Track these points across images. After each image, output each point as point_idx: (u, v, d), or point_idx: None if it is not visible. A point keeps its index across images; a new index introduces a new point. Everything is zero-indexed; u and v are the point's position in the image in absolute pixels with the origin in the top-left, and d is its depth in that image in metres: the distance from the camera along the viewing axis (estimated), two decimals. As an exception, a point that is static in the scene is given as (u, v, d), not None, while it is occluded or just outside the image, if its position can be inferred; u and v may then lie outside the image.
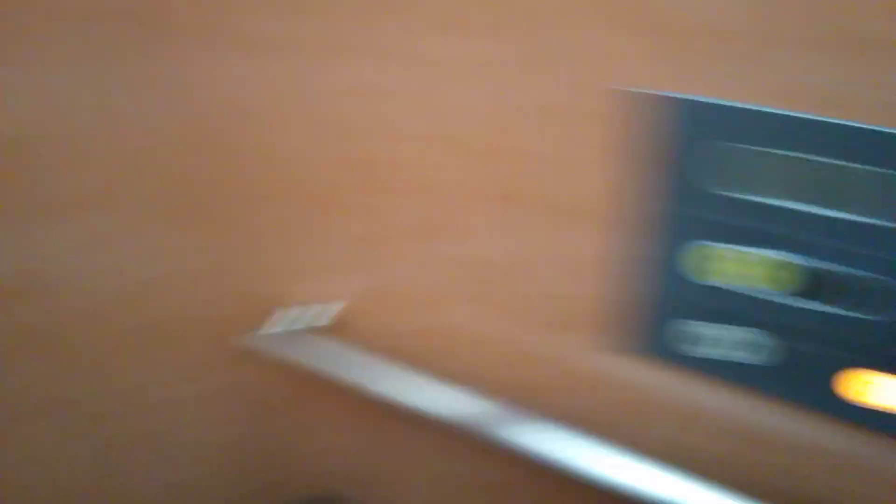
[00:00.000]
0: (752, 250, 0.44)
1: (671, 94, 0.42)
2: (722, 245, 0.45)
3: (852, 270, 0.41)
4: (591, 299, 0.53)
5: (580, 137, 0.46)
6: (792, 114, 0.39)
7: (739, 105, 0.40)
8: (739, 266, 0.45)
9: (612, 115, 0.44)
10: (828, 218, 0.40)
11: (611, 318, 0.52)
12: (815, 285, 0.43)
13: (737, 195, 0.42)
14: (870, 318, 0.42)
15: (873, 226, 0.39)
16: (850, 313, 0.42)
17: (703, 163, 0.42)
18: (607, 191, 0.47)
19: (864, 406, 0.45)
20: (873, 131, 0.37)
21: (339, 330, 0.67)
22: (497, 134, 0.49)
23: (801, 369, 0.46)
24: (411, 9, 0.48)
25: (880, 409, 0.44)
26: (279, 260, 0.67)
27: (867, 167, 0.38)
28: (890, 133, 0.37)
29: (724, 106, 0.40)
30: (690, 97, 0.42)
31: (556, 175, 0.49)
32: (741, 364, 0.48)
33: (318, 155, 0.58)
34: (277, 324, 0.66)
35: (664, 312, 0.49)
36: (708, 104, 0.41)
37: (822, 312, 0.43)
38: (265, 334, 0.66)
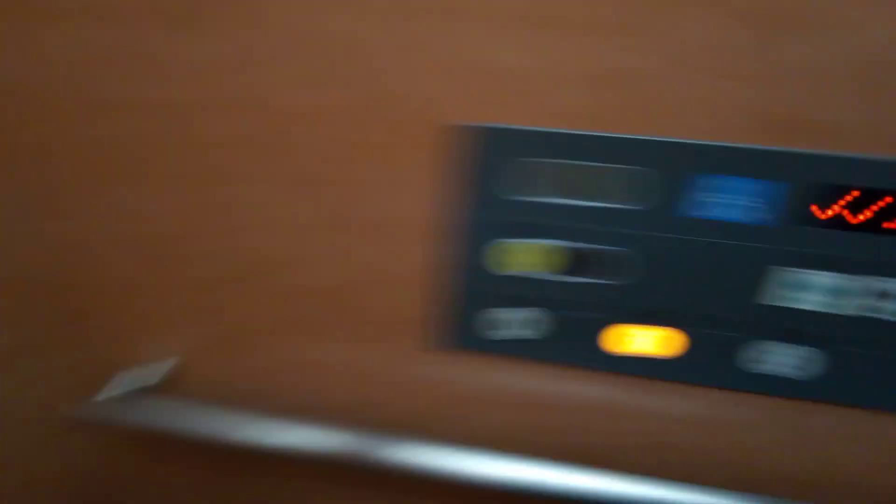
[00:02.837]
0: (536, 241, 0.54)
1: (475, 124, 0.50)
2: (515, 240, 0.54)
3: (604, 247, 0.53)
4: (413, 307, 0.59)
5: (403, 165, 0.52)
6: (563, 131, 0.49)
7: (527, 128, 0.49)
8: (527, 255, 0.55)
9: (431, 144, 0.51)
10: (587, 208, 0.51)
11: (430, 321, 0.59)
12: (579, 263, 0.54)
13: (525, 198, 0.52)
14: (616, 282, 0.54)
15: (617, 209, 0.51)
16: (603, 281, 0.54)
17: (501, 176, 0.51)
18: (427, 209, 0.54)
19: (624, 355, 0.57)
20: (620, 138, 0.48)
21: (179, 384, 0.67)
22: (332, 168, 0.53)
23: (573, 335, 0.57)
24: (267, 63, 0.51)
25: (635, 355, 0.57)
26: (112, 322, 0.65)
27: (614, 165, 0.49)
28: (631, 139, 0.48)
29: (516, 129, 0.49)
30: (490, 125, 0.50)
31: (382, 200, 0.54)
32: (530, 340, 0.58)
33: (147, 206, 0.58)
34: (113, 388, 0.64)
35: (472, 306, 0.58)
36: (503, 129, 0.49)
37: (584, 284, 0.55)
38: (100, 401, 0.64)
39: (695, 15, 0.42)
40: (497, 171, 0.51)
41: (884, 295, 0.50)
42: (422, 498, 0.69)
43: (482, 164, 0.51)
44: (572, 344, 0.58)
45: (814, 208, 0.47)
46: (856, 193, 0.46)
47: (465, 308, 0.58)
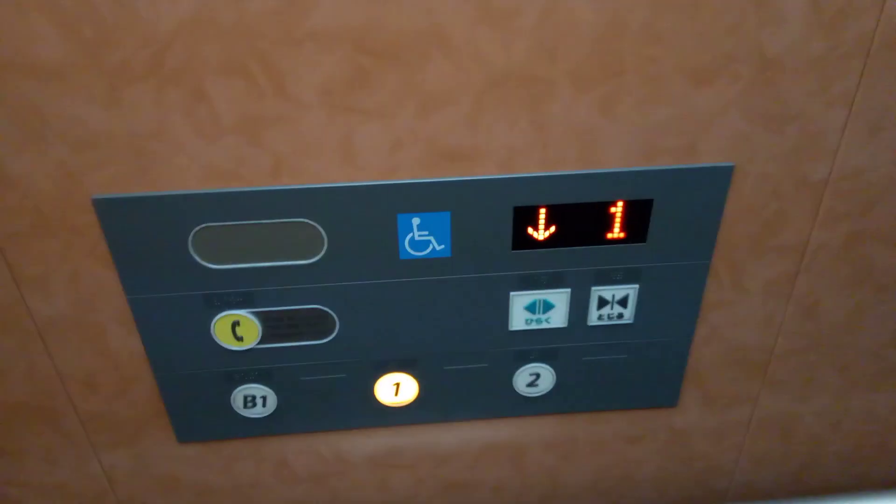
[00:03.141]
0: (239, 311, 0.47)
1: (146, 194, 0.42)
2: (228, 312, 0.47)
3: (298, 307, 0.48)
4: (147, 403, 0.53)
5: (70, 252, 0.44)
6: (245, 189, 0.42)
7: (207, 191, 0.42)
8: (248, 327, 0.49)
9: (97, 222, 0.43)
10: (277, 267, 0.45)
11: (173, 413, 0.53)
12: (277, 328, 0.48)
13: (223, 266, 0.45)
14: (317, 342, 0.49)
15: (301, 266, 0.45)
16: (307, 342, 0.49)
17: (197, 245, 0.44)
18: (117, 295, 0.47)
19: (394, 405, 0.54)
20: (280, 191, 0.42)
21: None
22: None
23: (302, 402, 0.53)
24: None
25: (401, 404, 0.54)
26: None
27: (290, 220, 0.43)
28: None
29: (195, 194, 0.42)
30: (167, 193, 0.42)
31: (57, 296, 0.47)
32: (268, 416, 0.54)
33: None
34: None
35: (210, 388, 0.52)
36: (182, 196, 0.42)
37: (289, 347, 0.50)
38: None
39: (319, 53, 0.38)
40: (177, 241, 0.44)
41: (603, 302, 0.49)
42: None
43: (173, 235, 0.44)
44: (306, 414, 0.54)
45: (530, 230, 0.45)
46: (543, 210, 0.44)
47: (208, 392, 0.52)
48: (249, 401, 0.53)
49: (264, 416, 0.54)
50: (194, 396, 0.52)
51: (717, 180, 0.44)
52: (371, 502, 0.63)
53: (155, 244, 0.44)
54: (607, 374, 0.54)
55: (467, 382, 0.54)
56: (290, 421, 0.55)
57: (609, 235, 0.46)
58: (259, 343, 0.49)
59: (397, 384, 0.54)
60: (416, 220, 0.44)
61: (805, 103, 0.42)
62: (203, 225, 0.43)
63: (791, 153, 0.44)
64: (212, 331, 0.48)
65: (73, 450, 0.55)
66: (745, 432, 0.61)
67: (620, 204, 0.44)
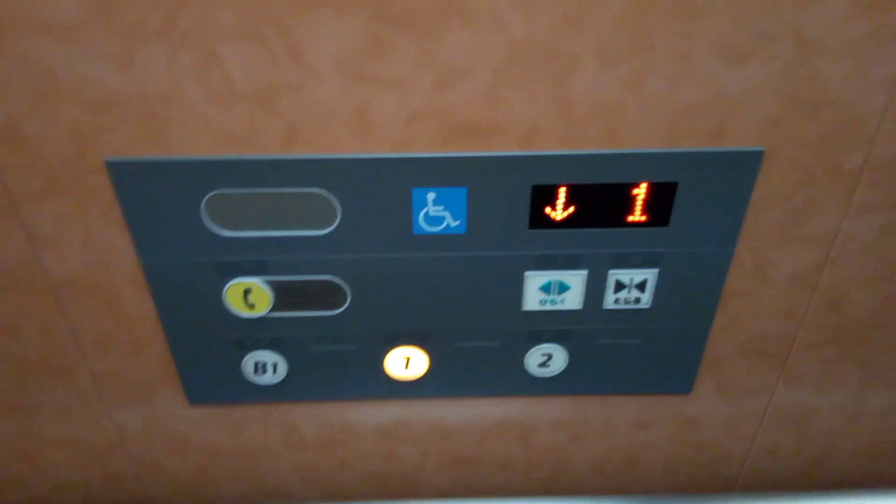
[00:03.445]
0: (251, 279, 0.47)
1: (159, 158, 0.41)
2: (242, 279, 0.47)
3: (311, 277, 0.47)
4: (158, 365, 0.53)
5: (84, 213, 0.44)
6: (258, 157, 0.41)
7: (220, 157, 0.41)
8: (258, 294, 0.48)
9: (111, 185, 0.43)
10: (290, 237, 0.45)
11: (184, 375, 0.53)
12: (289, 297, 0.48)
13: (236, 233, 0.45)
14: (329, 313, 0.49)
15: (314, 236, 0.45)
16: (319, 313, 0.49)
17: (210, 211, 0.43)
18: (130, 258, 0.47)
19: (403, 379, 0.54)
20: (301, 160, 0.42)
21: None
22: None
23: (312, 371, 0.53)
24: None
25: (411, 378, 0.54)
26: None
27: (304, 189, 0.43)
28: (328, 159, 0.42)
29: (208, 160, 0.41)
30: (180, 158, 0.41)
31: (70, 256, 0.47)
32: (282, 383, 0.54)
33: None
34: None
35: (221, 353, 0.52)
36: (195, 161, 0.41)
37: (300, 317, 0.49)
38: None
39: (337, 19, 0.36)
40: (190, 207, 0.43)
41: (620, 286, 0.48)
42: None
43: (186, 201, 0.43)
44: (332, 378, 0.54)
45: (547, 210, 0.44)
46: (563, 190, 0.43)
47: (219, 357, 0.52)
48: (260, 367, 0.53)
49: (274, 383, 0.54)
50: (206, 360, 0.52)
51: (745, 165, 0.42)
52: (377, 472, 0.63)
53: (168, 209, 0.43)
54: (621, 358, 0.53)
55: (478, 360, 0.53)
56: (300, 389, 0.55)
57: (630, 218, 0.44)
58: (270, 311, 0.49)
59: (407, 358, 0.53)
60: (431, 195, 0.43)
61: (842, 87, 0.40)
62: (216, 191, 0.43)
63: (825, 139, 0.42)
64: (224, 297, 0.48)
65: (85, 406, 0.56)
66: (758, 423, 0.60)
67: (644, 186, 0.43)
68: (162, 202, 0.43)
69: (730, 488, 0.66)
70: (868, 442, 0.62)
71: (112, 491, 0.63)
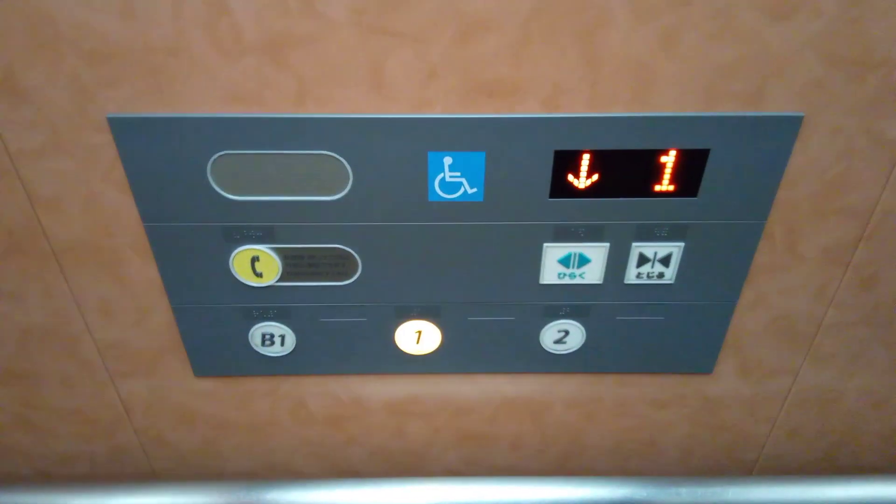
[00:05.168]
0: (258, 246, 0.45)
1: (162, 115, 0.39)
2: (248, 246, 0.45)
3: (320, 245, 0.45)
4: (163, 335, 0.52)
5: (85, 173, 0.43)
6: (266, 115, 0.39)
7: (227, 115, 0.39)
8: (268, 262, 0.46)
9: (113, 143, 0.41)
10: (299, 202, 0.43)
11: (189, 347, 0.52)
12: (298, 266, 0.46)
13: (243, 197, 0.43)
14: (339, 283, 0.47)
15: (324, 202, 0.43)
16: (328, 283, 0.47)
17: (216, 173, 0.41)
18: (134, 222, 0.45)
19: (414, 353, 0.52)
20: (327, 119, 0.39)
21: None
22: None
23: (321, 344, 0.52)
24: None
25: (422, 353, 0.52)
26: None
27: (314, 152, 0.40)
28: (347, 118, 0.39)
29: (214, 118, 0.39)
30: (185, 115, 0.39)
31: (72, 218, 0.45)
32: (288, 356, 0.52)
33: None
34: None
35: (228, 323, 0.50)
36: (200, 119, 0.39)
37: (309, 287, 0.48)
38: None
39: None
40: (195, 168, 0.41)
41: (643, 259, 0.46)
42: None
43: (192, 161, 0.41)
44: (324, 356, 0.52)
45: (570, 178, 0.42)
46: (587, 156, 0.40)
47: (225, 328, 0.50)
48: (268, 339, 0.51)
49: (282, 356, 0.52)
50: (212, 331, 0.51)
51: (783, 132, 0.40)
52: (386, 448, 0.62)
53: (172, 170, 0.41)
54: (641, 335, 0.51)
55: (492, 335, 0.51)
56: (309, 362, 0.53)
57: (657, 188, 0.42)
58: (279, 280, 0.47)
59: (419, 332, 0.51)
60: (447, 160, 0.41)
61: (892, 49, 0.37)
62: (222, 152, 0.41)
63: (869, 105, 0.39)
64: (230, 265, 0.46)
65: (89, 376, 0.54)
66: (781, 405, 0.58)
67: (673, 153, 0.41)
68: (166, 162, 0.41)
69: (748, 471, 0.64)
70: (893, 426, 0.60)
71: (117, 463, 0.62)
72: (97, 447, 0.60)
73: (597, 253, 0.46)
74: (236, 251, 0.45)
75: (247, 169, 0.42)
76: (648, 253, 0.46)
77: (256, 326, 0.50)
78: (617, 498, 0.58)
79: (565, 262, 0.46)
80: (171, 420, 0.58)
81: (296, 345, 0.52)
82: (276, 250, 0.46)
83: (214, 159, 0.41)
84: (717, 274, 0.47)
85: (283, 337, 0.51)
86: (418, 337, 0.52)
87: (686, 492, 0.58)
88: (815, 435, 0.61)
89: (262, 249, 0.46)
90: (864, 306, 0.50)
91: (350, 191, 0.42)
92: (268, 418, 0.58)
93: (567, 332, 0.51)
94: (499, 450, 0.62)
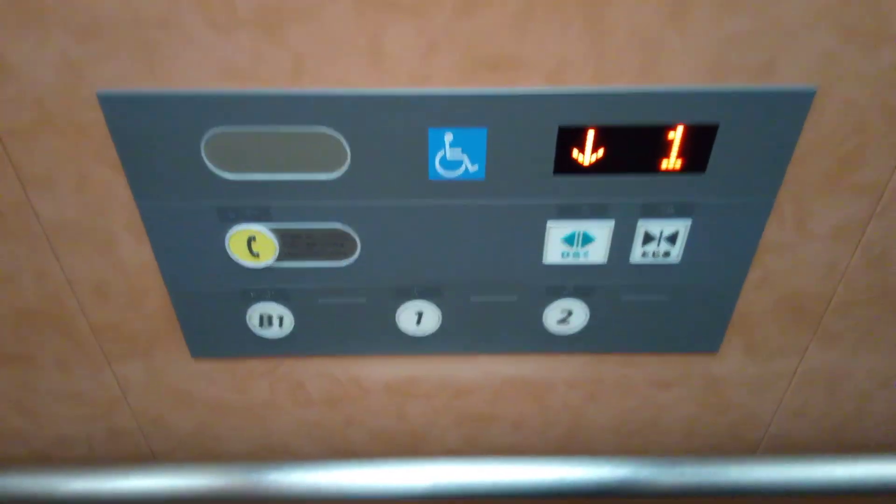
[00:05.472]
0: (254, 226, 0.44)
1: (154, 91, 0.38)
2: (244, 226, 0.44)
3: (317, 225, 0.44)
4: (160, 316, 0.51)
5: (76, 152, 0.41)
6: (262, 91, 0.38)
7: (220, 91, 0.38)
8: (264, 242, 0.45)
9: (104, 120, 0.39)
10: (296, 181, 0.42)
11: (186, 328, 0.51)
12: (295, 246, 0.45)
13: (238, 175, 0.41)
14: (337, 264, 0.46)
15: (322, 181, 0.42)
16: (327, 263, 0.46)
17: (210, 151, 0.40)
18: (127, 201, 0.44)
19: (415, 335, 0.51)
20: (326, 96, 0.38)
21: None
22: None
23: (320, 325, 0.51)
24: None
25: (423, 334, 0.51)
26: None
27: (311, 128, 0.39)
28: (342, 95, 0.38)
29: (207, 94, 0.38)
30: (178, 91, 0.38)
31: (63, 198, 0.44)
32: (287, 337, 0.51)
33: None
34: None
35: (225, 305, 0.49)
36: (193, 95, 0.38)
37: (308, 268, 0.47)
38: None
39: None
40: (189, 146, 0.40)
41: (649, 238, 0.45)
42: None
43: (185, 139, 0.40)
44: (340, 332, 0.51)
45: (575, 153, 0.40)
46: (592, 132, 0.39)
47: (222, 309, 0.50)
48: (266, 320, 0.51)
49: (280, 337, 0.52)
50: (209, 312, 0.50)
51: (794, 106, 0.39)
52: (386, 429, 0.61)
53: (165, 147, 0.40)
54: (646, 315, 0.50)
55: (494, 315, 0.51)
56: (307, 343, 0.52)
57: (664, 164, 0.41)
58: (276, 261, 0.46)
59: (420, 313, 0.51)
60: (448, 136, 0.40)
61: (910, 19, 0.36)
62: (216, 129, 0.39)
63: (884, 78, 0.38)
64: (226, 245, 0.45)
65: (85, 359, 0.54)
66: (787, 385, 0.57)
67: (680, 128, 0.39)
68: (159, 140, 0.40)
69: (752, 451, 0.64)
70: (899, 406, 0.59)
71: (114, 446, 0.61)
72: (95, 429, 0.60)
73: (601, 231, 0.45)
74: (232, 231, 0.44)
75: (242, 146, 0.40)
76: (654, 231, 0.45)
77: (254, 307, 0.50)
78: (619, 477, 0.58)
79: (569, 240, 0.45)
80: (169, 402, 0.58)
81: (294, 326, 0.51)
82: (273, 230, 0.45)
83: (208, 136, 0.40)
84: (724, 252, 0.46)
85: (281, 318, 0.50)
86: (419, 318, 0.51)
87: (689, 471, 0.58)
88: (821, 414, 0.60)
89: (259, 229, 0.44)
90: (874, 285, 0.49)
91: (348, 169, 0.41)
92: (266, 400, 0.58)
93: (570, 312, 0.50)
94: (500, 430, 0.62)
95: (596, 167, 0.41)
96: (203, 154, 0.40)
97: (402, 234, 0.45)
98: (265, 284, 0.48)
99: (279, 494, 0.57)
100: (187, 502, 0.57)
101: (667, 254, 0.46)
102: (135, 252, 0.46)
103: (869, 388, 0.58)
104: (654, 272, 0.47)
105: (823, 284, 0.49)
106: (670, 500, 0.70)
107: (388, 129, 0.39)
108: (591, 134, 0.40)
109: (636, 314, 0.50)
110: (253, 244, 0.45)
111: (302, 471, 0.57)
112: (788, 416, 0.60)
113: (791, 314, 0.51)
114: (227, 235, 0.45)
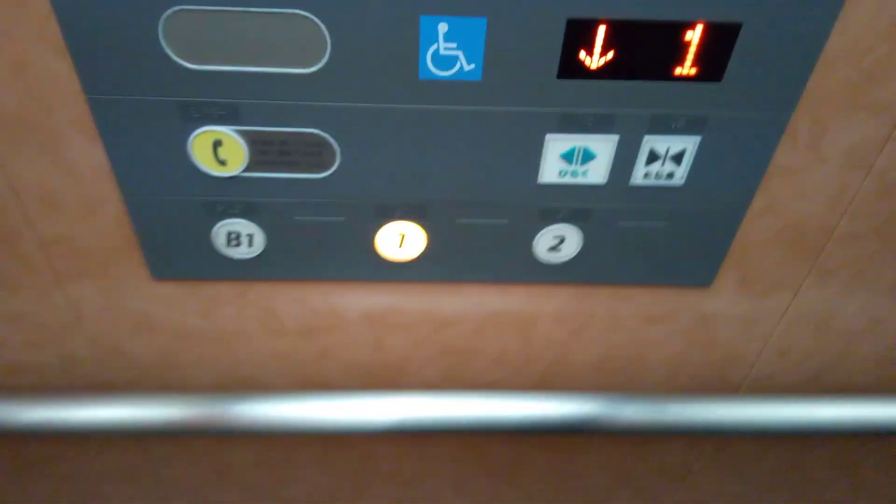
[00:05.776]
0: (221, 128, 0.40)
1: None
2: (209, 127, 0.40)
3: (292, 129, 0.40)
4: (118, 232, 0.47)
5: (13, 32, 0.36)
6: None
7: None
8: (231, 148, 0.41)
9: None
10: (269, 74, 0.37)
11: (145, 246, 0.47)
12: (267, 154, 0.41)
13: (202, 66, 0.37)
14: (314, 176, 0.42)
15: (298, 75, 0.37)
16: (302, 174, 0.42)
17: (170, 35, 0.35)
18: (75, 94, 0.39)
19: (396, 260, 0.48)
20: None
21: None
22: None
23: (294, 246, 0.47)
24: None
25: (405, 259, 0.48)
26: None
27: (286, 10, 0.35)
28: None
29: None
30: None
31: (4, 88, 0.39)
32: (258, 258, 0.47)
33: None
34: None
35: (189, 219, 0.45)
36: None
37: (280, 179, 0.42)
38: None
39: None
40: (144, 27, 0.35)
41: (653, 157, 0.42)
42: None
43: (142, 19, 0.35)
44: (315, 254, 0.47)
45: (583, 54, 0.36)
46: (603, 28, 0.35)
47: (186, 224, 0.45)
48: (234, 238, 0.46)
49: (250, 258, 0.48)
50: (171, 228, 0.45)
51: (823, 6, 0.35)
52: (362, 362, 0.58)
53: (118, 30, 0.35)
54: (641, 244, 0.48)
55: (482, 240, 0.47)
56: (280, 266, 0.48)
57: (678, 70, 0.38)
58: (245, 170, 0.42)
59: (402, 235, 0.47)
60: (443, 27, 0.36)
61: None
62: (176, 7, 0.34)
63: (923, -21, 0.35)
64: (189, 149, 0.41)
65: (33, 277, 0.49)
66: (776, 322, 0.55)
67: (700, 27, 0.36)
68: (109, 20, 0.35)
69: (734, 390, 0.63)
70: (887, 346, 0.58)
71: (69, 374, 0.57)
72: (47, 356, 0.56)
73: (604, 147, 0.41)
74: (195, 133, 0.40)
75: (206, 30, 0.35)
76: (660, 149, 0.42)
77: (221, 224, 0.45)
78: (600, 413, 0.56)
79: (568, 157, 0.42)
80: (128, 327, 0.53)
81: (265, 246, 0.47)
82: (242, 133, 0.40)
83: (167, 16, 0.35)
84: (731, 175, 0.43)
85: (250, 237, 0.46)
86: (401, 240, 0.47)
87: (672, 409, 0.56)
88: (807, 354, 0.59)
89: (226, 132, 0.40)
90: (879, 216, 0.47)
91: (327, 62, 0.37)
92: (234, 328, 0.54)
93: (563, 239, 0.47)
94: (481, 364, 0.59)
95: (604, 71, 0.38)
96: (161, 38, 0.35)
97: (386, 142, 0.41)
98: (233, 196, 0.44)
99: (245, 427, 0.54)
100: (147, 435, 0.54)
101: (671, 175, 0.43)
102: (86, 154, 0.42)
103: (857, 328, 0.56)
104: (655, 196, 0.44)
105: (828, 214, 0.47)
106: (652, 437, 0.69)
107: (374, 14, 0.35)
108: (601, 30, 0.36)
109: (631, 242, 0.47)
110: (219, 149, 0.41)
111: (270, 401, 0.54)
112: (774, 356, 0.59)
113: (791, 246, 0.49)
114: (190, 138, 0.40)
